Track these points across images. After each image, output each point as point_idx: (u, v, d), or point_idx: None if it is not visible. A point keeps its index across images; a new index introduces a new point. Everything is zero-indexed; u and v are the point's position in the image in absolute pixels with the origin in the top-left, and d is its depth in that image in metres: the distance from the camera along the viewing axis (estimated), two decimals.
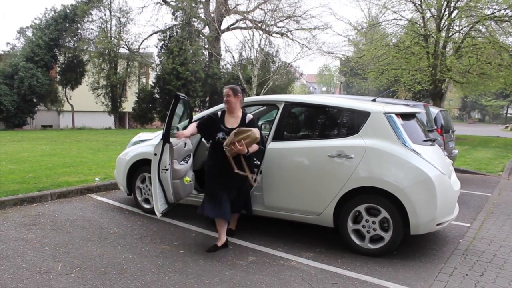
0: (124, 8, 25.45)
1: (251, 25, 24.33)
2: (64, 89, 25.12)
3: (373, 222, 4.09)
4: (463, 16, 17.38)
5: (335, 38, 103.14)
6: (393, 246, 4.08)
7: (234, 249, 4.23)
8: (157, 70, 25.97)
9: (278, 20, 24.31)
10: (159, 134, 5.09)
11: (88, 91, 24.88)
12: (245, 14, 25.67)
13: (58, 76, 25.24)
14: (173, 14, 25.36)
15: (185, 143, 4.75)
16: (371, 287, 3.47)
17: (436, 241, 4.66)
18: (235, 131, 3.92)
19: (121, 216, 5.28)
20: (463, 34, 18.19)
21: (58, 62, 25.01)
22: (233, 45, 60.24)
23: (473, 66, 17.62)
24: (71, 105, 25.21)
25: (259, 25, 24.04)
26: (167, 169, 4.39)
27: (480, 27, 17.59)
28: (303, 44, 24.36)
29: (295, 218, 4.53)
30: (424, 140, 4.46)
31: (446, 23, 17.85)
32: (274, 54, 27.14)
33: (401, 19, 19.36)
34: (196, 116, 5.12)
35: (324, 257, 4.09)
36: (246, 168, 4.05)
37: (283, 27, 25.09)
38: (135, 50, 25.86)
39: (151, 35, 26.09)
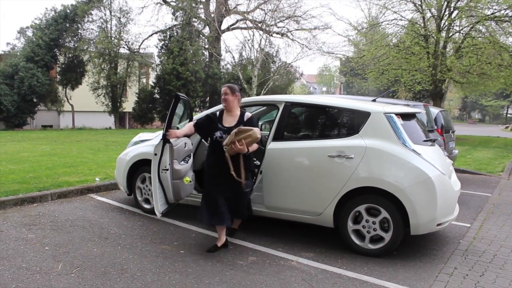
0: (124, 8, 25.48)
1: (251, 25, 24.34)
2: (64, 89, 25.13)
3: (373, 222, 4.09)
4: (463, 16, 17.38)
5: (335, 38, 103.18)
6: (393, 246, 4.08)
7: (234, 249, 4.23)
8: (157, 70, 25.97)
9: (278, 20, 24.35)
10: (159, 134, 5.09)
11: (88, 91, 24.88)
12: (245, 14, 25.67)
13: (58, 76, 25.25)
14: (173, 14, 25.37)
15: (185, 143, 4.75)
16: (371, 287, 3.47)
17: (436, 241, 4.66)
18: (235, 130, 3.88)
19: (121, 216, 5.28)
20: (463, 34, 18.19)
21: (58, 62, 25.02)
22: (233, 45, 60.32)
23: (473, 66, 17.62)
24: (71, 105, 25.22)
25: (259, 25, 24.06)
26: (167, 169, 4.39)
27: (480, 27, 17.60)
28: (303, 44, 24.42)
29: (295, 218, 4.53)
30: (424, 140, 4.46)
31: (446, 23, 17.85)
32: (274, 54, 27.16)
33: (401, 19, 19.38)
34: (196, 116, 5.12)
35: (324, 257, 4.09)
36: (242, 172, 3.97)
37: (283, 27, 25.14)
38: (135, 50, 25.87)
39: (151, 35, 26.12)
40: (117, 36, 25.16)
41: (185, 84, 23.55)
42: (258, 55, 22.86)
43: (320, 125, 4.70)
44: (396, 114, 4.28)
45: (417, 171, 3.96)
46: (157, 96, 25.41)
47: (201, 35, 26.39)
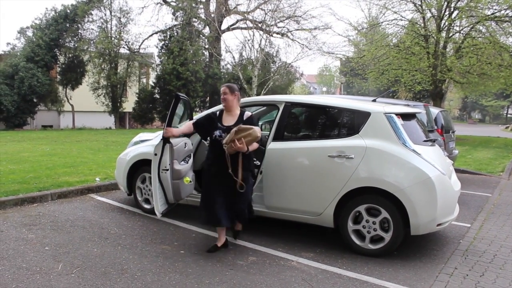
0: (125, 8, 25.50)
1: (251, 25, 24.35)
2: (65, 89, 25.14)
3: (374, 223, 4.09)
4: (463, 16, 17.38)
5: (336, 38, 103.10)
6: (394, 246, 4.08)
7: (234, 249, 4.23)
8: (158, 70, 25.99)
9: (278, 20, 24.36)
10: (159, 134, 5.09)
11: (88, 91, 24.89)
12: (246, 14, 25.68)
13: (58, 76, 25.27)
14: (174, 14, 25.38)
15: (185, 143, 4.75)
16: (372, 287, 3.48)
17: (437, 242, 4.66)
18: (235, 129, 3.85)
19: (121, 216, 5.28)
20: (464, 35, 18.19)
21: (58, 62, 25.03)
22: (234, 45, 60.34)
23: (474, 67, 17.62)
24: (72, 105, 25.23)
25: (260, 25, 24.07)
26: (167, 169, 4.39)
27: (481, 28, 17.60)
28: (303, 45, 24.43)
29: (296, 219, 4.53)
30: (425, 141, 4.46)
31: (447, 23, 17.85)
32: (274, 54, 27.17)
33: (401, 20, 19.38)
34: (196, 116, 5.11)
35: (324, 258, 4.09)
36: (239, 172, 3.93)
37: (284, 27, 25.15)
38: (135, 50, 25.87)
39: (151, 35, 26.13)
40: (117, 36, 25.16)
41: (185, 84, 23.55)
42: (258, 55, 22.86)
43: (320, 125, 4.70)
44: (396, 114, 4.28)
45: (417, 171, 3.96)
46: (157, 96, 25.43)
47: (201, 35, 26.40)
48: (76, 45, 24.77)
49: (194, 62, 24.55)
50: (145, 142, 5.67)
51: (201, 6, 26.46)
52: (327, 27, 24.78)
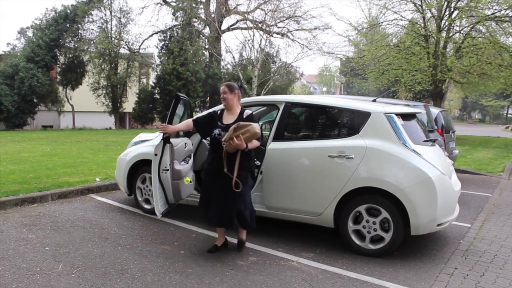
0: (125, 9, 25.53)
1: (251, 25, 24.35)
2: (65, 90, 25.16)
3: (374, 223, 4.09)
4: (463, 16, 17.38)
5: (336, 39, 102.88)
6: (394, 246, 4.08)
7: (234, 249, 4.23)
8: (158, 71, 26.00)
9: (278, 21, 24.36)
10: (159, 134, 5.09)
11: (88, 92, 24.90)
12: (246, 15, 25.68)
13: (58, 77, 25.29)
14: (174, 14, 25.39)
15: (185, 143, 4.75)
16: (372, 287, 3.48)
17: (437, 242, 4.66)
18: (234, 126, 3.80)
19: (121, 217, 5.28)
20: (464, 35, 18.19)
21: (58, 62, 25.05)
22: (234, 46, 60.37)
23: (474, 67, 17.61)
24: (72, 106, 25.25)
25: (260, 25, 24.07)
26: (167, 170, 4.39)
27: (481, 28, 17.59)
28: (303, 45, 24.42)
29: (296, 219, 4.52)
30: (425, 141, 4.46)
31: (447, 23, 17.85)
32: (274, 55, 27.18)
33: (401, 20, 19.39)
34: (196, 116, 5.11)
35: (324, 258, 4.09)
36: (235, 170, 3.83)
37: (284, 27, 25.15)
38: (135, 51, 25.89)
39: (151, 35, 26.14)
40: (117, 37, 25.18)
41: (186, 84, 23.56)
42: (258, 55, 22.86)
43: (321, 125, 4.70)
44: (397, 114, 4.28)
45: (418, 171, 3.96)
46: (157, 96, 25.43)
47: (201, 35, 26.41)
48: (76, 45, 24.79)
49: (194, 62, 24.56)
50: (145, 142, 5.67)
51: (201, 6, 26.46)
52: (327, 27, 24.83)
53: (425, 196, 3.93)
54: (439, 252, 4.34)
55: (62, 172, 7.52)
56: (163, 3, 25.96)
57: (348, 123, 4.36)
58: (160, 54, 25.50)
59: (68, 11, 24.13)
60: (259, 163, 4.64)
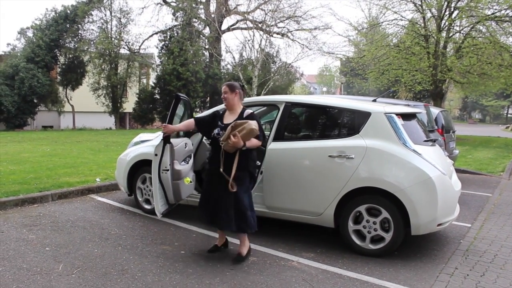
0: (125, 9, 25.54)
1: (251, 25, 24.35)
2: (65, 90, 25.18)
3: (374, 223, 4.09)
4: (463, 16, 17.39)
5: (336, 39, 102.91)
6: (394, 246, 4.08)
7: (235, 249, 4.22)
8: (158, 71, 26.02)
9: (278, 21, 24.36)
10: (159, 134, 5.09)
11: (88, 92, 24.92)
12: (246, 15, 25.68)
13: (58, 77, 25.30)
14: (174, 14, 25.41)
15: (185, 143, 4.75)
16: (372, 287, 3.48)
17: (437, 242, 4.66)
18: (231, 125, 3.78)
19: (121, 217, 5.28)
20: (464, 34, 18.20)
21: (58, 62, 25.07)
22: (234, 46, 60.35)
23: (474, 66, 17.62)
24: (72, 106, 25.26)
25: (260, 25, 24.07)
26: (167, 170, 4.39)
27: (481, 27, 17.60)
28: (303, 45, 24.42)
29: (296, 219, 4.52)
30: (425, 141, 4.46)
31: (447, 23, 17.85)
32: (274, 55, 27.18)
33: (401, 20, 19.39)
34: (198, 116, 5.11)
35: (325, 258, 4.09)
36: (232, 171, 3.76)
37: (284, 27, 25.16)
38: (135, 51, 25.90)
39: (151, 35, 26.17)
40: (118, 37, 25.20)
41: (186, 84, 23.57)
42: (258, 56, 22.86)
43: (321, 125, 4.70)
44: (397, 114, 4.28)
45: (418, 171, 3.96)
46: (157, 96, 25.44)
47: (201, 36, 26.42)
48: (76, 45, 24.81)
49: (194, 62, 24.57)
50: (146, 142, 5.67)
51: (201, 6, 26.48)
52: (327, 27, 24.83)
53: (426, 196, 3.93)
54: (440, 252, 4.34)
55: (63, 172, 7.52)
56: (163, 3, 25.98)
57: (348, 123, 4.36)
58: (160, 54, 25.52)
59: (68, 12, 24.15)
60: (259, 163, 4.63)
